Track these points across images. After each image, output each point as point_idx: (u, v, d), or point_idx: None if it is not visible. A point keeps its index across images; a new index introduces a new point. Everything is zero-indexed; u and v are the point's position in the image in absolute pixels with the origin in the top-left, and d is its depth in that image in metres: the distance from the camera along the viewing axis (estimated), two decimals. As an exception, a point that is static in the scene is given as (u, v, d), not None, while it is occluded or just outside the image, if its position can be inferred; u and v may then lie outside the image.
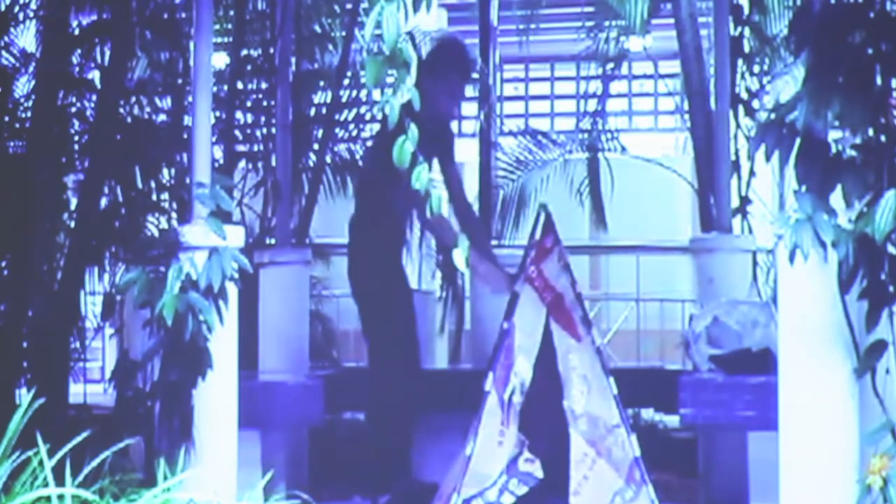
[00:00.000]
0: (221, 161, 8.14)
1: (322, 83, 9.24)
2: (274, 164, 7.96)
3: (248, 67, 8.49)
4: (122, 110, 6.75)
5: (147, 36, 6.66)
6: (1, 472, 4.36)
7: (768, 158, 4.51)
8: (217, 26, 8.11)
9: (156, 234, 6.56)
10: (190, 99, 5.71)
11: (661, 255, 13.34)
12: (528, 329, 6.01)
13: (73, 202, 6.68)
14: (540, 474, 5.96)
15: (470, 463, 5.85)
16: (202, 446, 5.13)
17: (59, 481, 4.30)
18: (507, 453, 5.93)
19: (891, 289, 4.33)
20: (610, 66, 10.66)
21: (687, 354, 6.39)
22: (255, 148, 8.50)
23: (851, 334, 4.44)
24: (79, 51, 6.73)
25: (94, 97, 6.74)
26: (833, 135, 4.48)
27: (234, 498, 5.09)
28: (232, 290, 5.19)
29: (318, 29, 9.46)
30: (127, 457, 5.14)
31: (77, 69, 6.75)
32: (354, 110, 9.40)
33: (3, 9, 6.78)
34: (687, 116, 8.47)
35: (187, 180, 5.52)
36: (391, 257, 6.77)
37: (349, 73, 9.24)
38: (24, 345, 6.40)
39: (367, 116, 9.43)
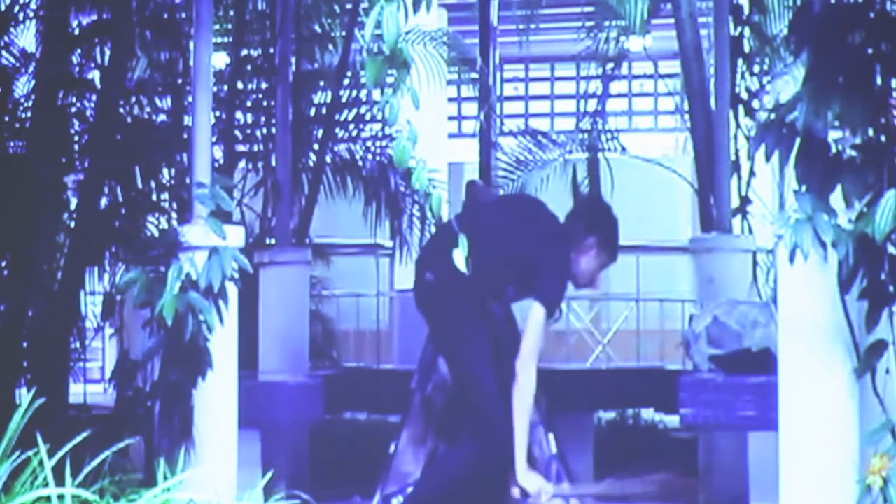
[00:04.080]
0: (221, 161, 8.15)
1: (322, 83, 9.24)
2: (274, 164, 7.97)
3: (248, 67, 8.50)
4: (122, 110, 6.75)
5: (147, 36, 6.66)
6: (1, 472, 4.36)
7: (768, 158, 4.51)
8: (217, 26, 8.11)
9: (156, 234, 6.56)
10: (190, 99, 5.71)
11: (661, 255, 13.35)
12: None
13: (73, 202, 6.68)
14: None
15: (393, 462, 5.97)
16: (202, 446, 5.13)
17: (59, 481, 4.30)
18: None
19: (891, 289, 4.32)
20: (610, 66, 10.66)
21: (687, 354, 6.39)
22: (255, 148, 8.51)
23: (851, 334, 4.44)
24: (79, 51, 6.73)
25: (94, 97, 6.74)
26: (833, 135, 4.48)
27: (234, 498, 5.09)
28: (232, 290, 5.19)
29: (318, 29, 9.46)
30: (127, 457, 5.14)
31: (77, 69, 6.76)
32: (354, 110, 9.40)
33: (3, 9, 6.78)
34: (687, 116, 8.47)
35: (187, 180, 5.52)
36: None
37: (349, 73, 9.25)
38: (24, 345, 6.40)
39: (367, 116, 9.44)
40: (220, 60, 8.48)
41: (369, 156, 9.46)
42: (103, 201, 6.63)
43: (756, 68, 8.34)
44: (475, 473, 5.76)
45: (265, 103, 8.43)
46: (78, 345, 6.87)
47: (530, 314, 5.68)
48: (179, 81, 6.93)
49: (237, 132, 8.57)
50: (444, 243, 5.67)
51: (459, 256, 4.56)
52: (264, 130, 8.45)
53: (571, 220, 5.92)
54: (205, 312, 5.09)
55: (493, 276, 5.74)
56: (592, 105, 10.81)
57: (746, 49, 8.06)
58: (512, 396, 5.64)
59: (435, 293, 5.80)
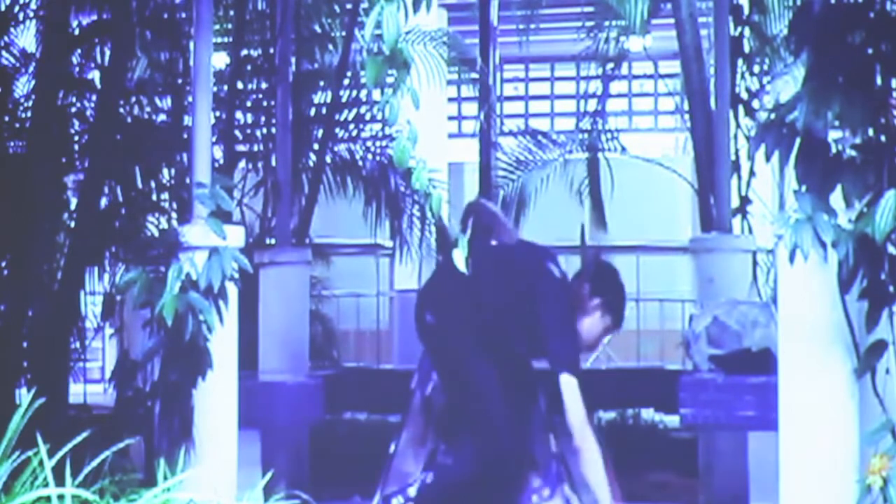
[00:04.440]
0: (221, 161, 8.15)
1: (322, 83, 9.24)
2: (274, 164, 7.97)
3: (248, 67, 8.50)
4: (122, 110, 6.75)
5: (147, 36, 6.66)
6: (1, 472, 4.36)
7: (768, 158, 4.51)
8: (217, 26, 8.11)
9: (156, 234, 6.56)
10: (190, 99, 5.71)
11: (661, 255, 13.36)
12: None
13: (73, 202, 6.67)
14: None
15: (393, 462, 5.97)
16: (202, 446, 5.14)
17: (59, 481, 4.30)
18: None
19: (891, 289, 4.32)
20: (610, 66, 10.66)
21: (687, 354, 6.40)
22: (255, 148, 8.51)
23: (851, 334, 4.44)
24: (79, 51, 6.73)
25: (94, 97, 6.73)
26: (833, 135, 4.48)
27: (234, 498, 5.09)
28: (232, 290, 5.19)
29: (318, 29, 9.46)
30: (127, 457, 5.14)
31: (77, 69, 6.75)
32: (354, 110, 9.41)
33: (3, 9, 6.78)
34: (687, 116, 8.47)
35: (187, 180, 5.52)
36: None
37: (349, 73, 9.25)
38: (24, 345, 6.40)
39: (367, 116, 9.44)
40: (220, 60, 8.48)
41: (369, 156, 9.46)
42: (103, 201, 6.62)
43: (756, 68, 8.34)
44: (477, 480, 5.75)
45: (265, 103, 8.43)
46: (78, 345, 6.87)
47: (563, 388, 5.54)
48: (179, 81, 6.93)
49: (237, 132, 8.57)
50: (445, 285, 5.70)
51: (459, 257, 4.56)
52: (264, 130, 8.45)
53: (577, 280, 5.80)
54: (205, 312, 5.09)
55: (496, 331, 5.70)
56: (592, 105, 10.80)
57: (746, 49, 8.06)
58: (581, 466, 5.56)
59: (436, 335, 5.79)
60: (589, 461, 5.53)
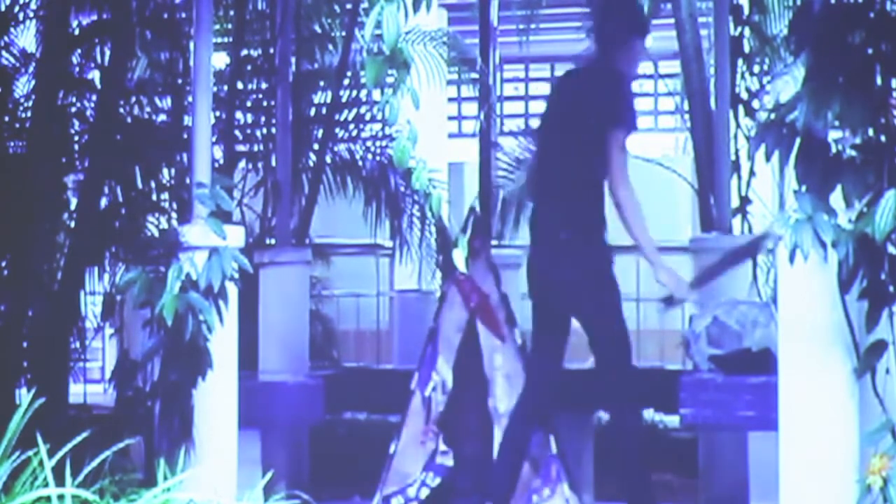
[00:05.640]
0: (221, 161, 8.14)
1: (322, 83, 9.24)
2: (274, 164, 7.96)
3: (248, 67, 8.50)
4: (122, 110, 6.75)
5: (147, 36, 6.66)
6: (1, 472, 4.36)
7: (768, 158, 4.51)
8: (217, 26, 8.11)
9: (156, 234, 6.56)
10: (190, 99, 5.71)
11: (662, 255, 13.33)
12: (451, 330, 6.25)
13: (73, 202, 6.67)
14: (450, 463, 6.07)
15: (393, 462, 6.00)
16: (202, 446, 5.14)
17: (59, 481, 4.30)
18: (428, 451, 6.06)
19: (891, 289, 4.33)
20: (610, 65, 10.63)
21: (687, 354, 6.39)
22: (255, 148, 8.50)
23: (851, 334, 4.44)
24: (79, 51, 6.73)
25: (94, 97, 6.73)
26: (833, 135, 4.48)
27: (234, 498, 5.09)
28: (232, 290, 5.19)
29: (318, 29, 9.46)
30: (127, 457, 5.14)
31: (77, 69, 6.75)
32: (354, 110, 9.40)
33: (3, 9, 6.78)
34: (687, 116, 8.47)
35: (187, 180, 5.52)
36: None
37: (349, 73, 9.24)
38: (24, 345, 6.40)
39: (367, 116, 9.44)
40: (220, 60, 8.48)
41: (369, 156, 9.46)
42: (103, 201, 6.63)
43: (756, 68, 8.33)
44: None
45: (265, 103, 8.43)
46: (78, 345, 6.87)
47: (611, 141, 5.90)
48: (179, 81, 6.93)
49: (237, 132, 8.57)
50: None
51: (459, 257, 4.57)
52: (264, 130, 8.45)
53: (610, 49, 6.14)
54: (205, 312, 5.09)
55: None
56: (592, 105, 10.77)
57: (746, 49, 8.05)
58: (625, 220, 6.06)
59: (570, 254, 5.95)
60: (627, 206, 6.12)
